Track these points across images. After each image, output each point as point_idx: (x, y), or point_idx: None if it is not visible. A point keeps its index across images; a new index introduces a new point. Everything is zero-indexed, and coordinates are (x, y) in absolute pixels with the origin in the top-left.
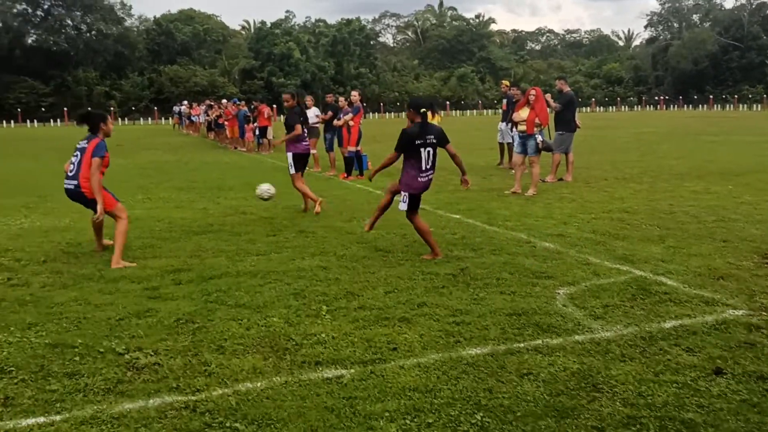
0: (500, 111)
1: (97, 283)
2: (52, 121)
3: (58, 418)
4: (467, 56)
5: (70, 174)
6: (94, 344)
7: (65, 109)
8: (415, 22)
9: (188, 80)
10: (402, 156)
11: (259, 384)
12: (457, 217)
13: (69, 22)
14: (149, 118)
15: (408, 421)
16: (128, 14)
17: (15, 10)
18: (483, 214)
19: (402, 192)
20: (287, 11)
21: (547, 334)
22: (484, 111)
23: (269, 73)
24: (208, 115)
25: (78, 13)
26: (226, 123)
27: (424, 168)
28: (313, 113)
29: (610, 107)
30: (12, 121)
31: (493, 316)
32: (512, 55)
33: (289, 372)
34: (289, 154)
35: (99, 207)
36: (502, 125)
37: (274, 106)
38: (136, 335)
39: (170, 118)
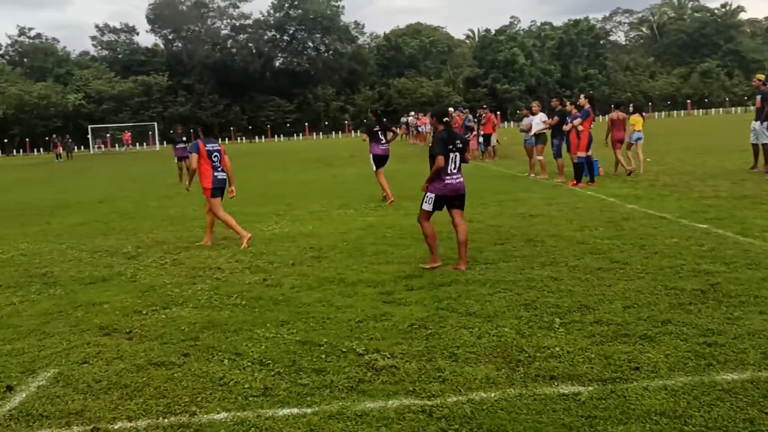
0: (753, 108)
1: (338, 286)
2: (295, 135)
3: (309, 410)
4: (711, 50)
5: (221, 169)
6: (337, 344)
7: (306, 124)
8: (651, 17)
9: (415, 91)
10: (429, 161)
11: (492, 394)
12: (705, 226)
13: (310, 44)
14: None
15: None
16: (361, 32)
17: (266, 37)
18: (735, 224)
19: (428, 193)
20: (512, 17)
21: None
22: (732, 109)
23: (493, 80)
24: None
25: (318, 35)
26: None
27: (449, 171)
28: (539, 119)
29: None
30: (263, 137)
31: (751, 338)
32: (766, 46)
33: (522, 384)
34: (371, 155)
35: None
36: (756, 124)
37: (498, 113)
38: (374, 337)
39: (398, 129)
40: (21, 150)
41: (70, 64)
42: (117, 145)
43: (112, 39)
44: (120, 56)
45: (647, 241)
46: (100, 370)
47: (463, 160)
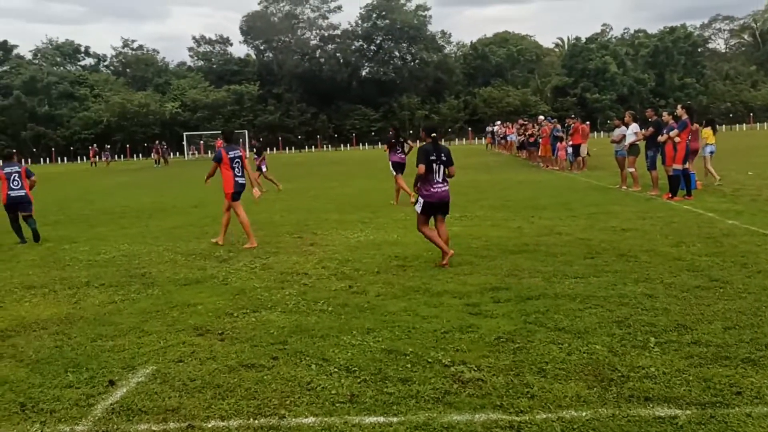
0: None
1: (423, 296)
2: (379, 143)
3: (395, 420)
4: None
5: (242, 174)
6: (423, 354)
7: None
8: (753, 24)
9: (501, 101)
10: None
11: (584, 413)
12: None
13: (396, 53)
14: (463, 139)
15: None
16: (447, 42)
17: (353, 47)
18: None
19: (420, 198)
20: (604, 25)
21: None
22: None
23: (583, 89)
24: (520, 135)
25: (404, 44)
26: (540, 141)
27: (435, 180)
28: (631, 130)
29: None
30: (348, 145)
31: None
32: None
33: (615, 404)
34: (390, 163)
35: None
36: None
37: (587, 122)
38: (460, 349)
39: (483, 138)
40: (122, 155)
41: (168, 74)
42: (210, 151)
43: (208, 50)
44: (214, 66)
45: (749, 259)
46: (194, 369)
47: (448, 173)
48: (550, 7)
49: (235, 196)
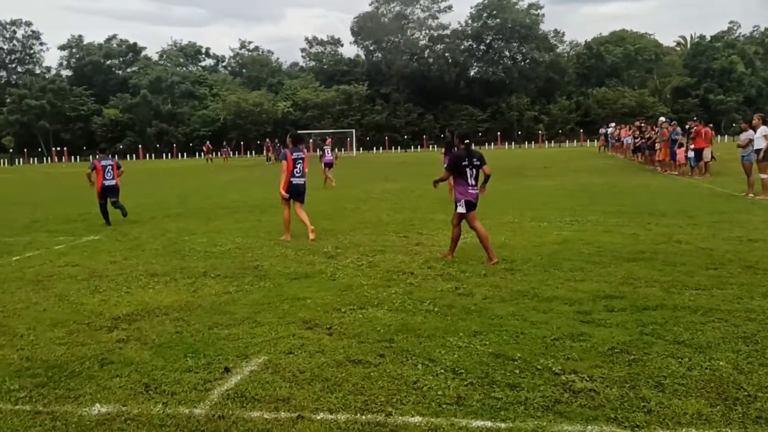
0: None
1: (532, 301)
2: (486, 144)
3: (502, 425)
4: None
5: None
6: (531, 360)
7: (498, 133)
8: None
9: (615, 102)
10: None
11: None
12: None
13: (506, 53)
14: (575, 141)
15: None
16: (560, 41)
17: (462, 47)
18: None
19: (458, 201)
20: (731, 22)
21: None
22: None
23: (706, 90)
24: (636, 137)
25: (515, 44)
26: (657, 145)
27: (470, 184)
28: (760, 133)
29: None
30: None
31: None
32: None
33: (741, 425)
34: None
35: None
36: None
37: (710, 125)
38: (570, 357)
39: (596, 140)
40: (236, 152)
41: (281, 75)
42: (318, 149)
43: (319, 50)
44: (325, 66)
45: None
46: (303, 361)
47: (486, 174)
48: (672, 4)
49: (293, 192)
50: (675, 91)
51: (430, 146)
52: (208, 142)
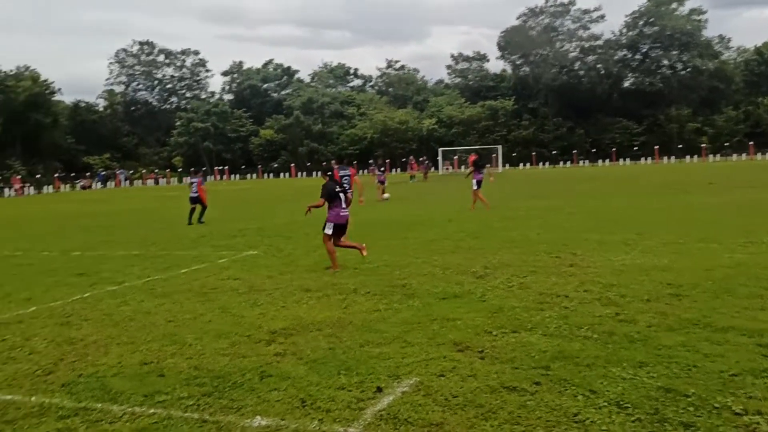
0: None
1: (704, 331)
2: (642, 159)
3: None
4: None
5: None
6: (707, 397)
7: (656, 147)
8: None
9: None
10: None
11: None
12: None
13: (665, 62)
14: (743, 154)
15: None
16: (726, 47)
17: (615, 57)
18: None
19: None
20: None
21: None
22: None
23: None
24: None
25: (674, 52)
26: None
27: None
28: None
29: None
30: (606, 160)
31: None
32: None
33: None
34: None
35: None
36: None
37: None
38: (753, 396)
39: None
40: (381, 169)
41: (426, 92)
42: (463, 166)
43: (465, 67)
44: (470, 83)
45: None
46: (456, 385)
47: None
48: None
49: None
50: None
51: (580, 161)
52: (422, 157)
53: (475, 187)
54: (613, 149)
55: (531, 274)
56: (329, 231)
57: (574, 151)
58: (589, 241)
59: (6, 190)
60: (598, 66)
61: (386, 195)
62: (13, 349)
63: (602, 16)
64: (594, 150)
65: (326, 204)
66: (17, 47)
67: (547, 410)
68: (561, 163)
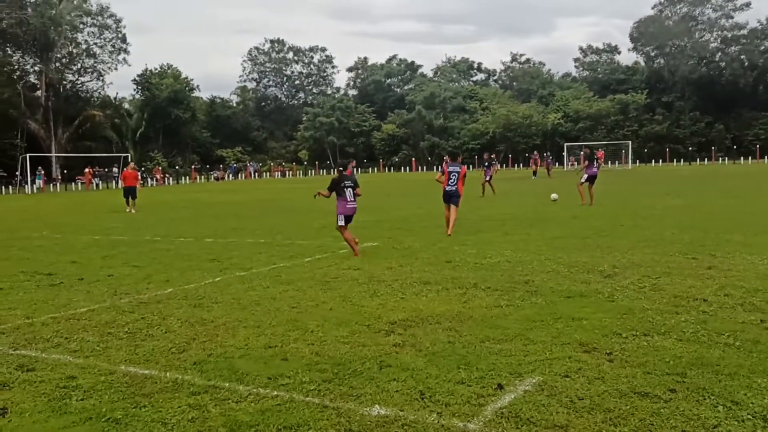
0: None
1: None
2: None
3: None
4: None
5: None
6: None
7: None
8: None
9: None
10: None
11: None
12: None
13: None
14: None
15: None
16: None
17: (762, 48)
18: None
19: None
20: None
21: None
22: None
23: None
24: None
25: None
26: None
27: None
28: None
29: None
30: (749, 158)
31: None
32: None
33: None
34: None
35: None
36: None
37: None
38: None
39: None
40: (504, 165)
41: (552, 86)
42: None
43: (594, 59)
44: (600, 76)
45: None
46: (581, 387)
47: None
48: None
49: (445, 197)
50: None
51: (720, 159)
52: (546, 153)
53: (582, 181)
54: (757, 146)
55: (664, 275)
56: (342, 222)
57: (713, 148)
58: (731, 243)
59: (148, 180)
60: (742, 57)
61: (554, 195)
62: (151, 327)
63: (748, 4)
64: (735, 147)
65: (337, 198)
66: (164, 45)
67: (683, 419)
68: (698, 160)
